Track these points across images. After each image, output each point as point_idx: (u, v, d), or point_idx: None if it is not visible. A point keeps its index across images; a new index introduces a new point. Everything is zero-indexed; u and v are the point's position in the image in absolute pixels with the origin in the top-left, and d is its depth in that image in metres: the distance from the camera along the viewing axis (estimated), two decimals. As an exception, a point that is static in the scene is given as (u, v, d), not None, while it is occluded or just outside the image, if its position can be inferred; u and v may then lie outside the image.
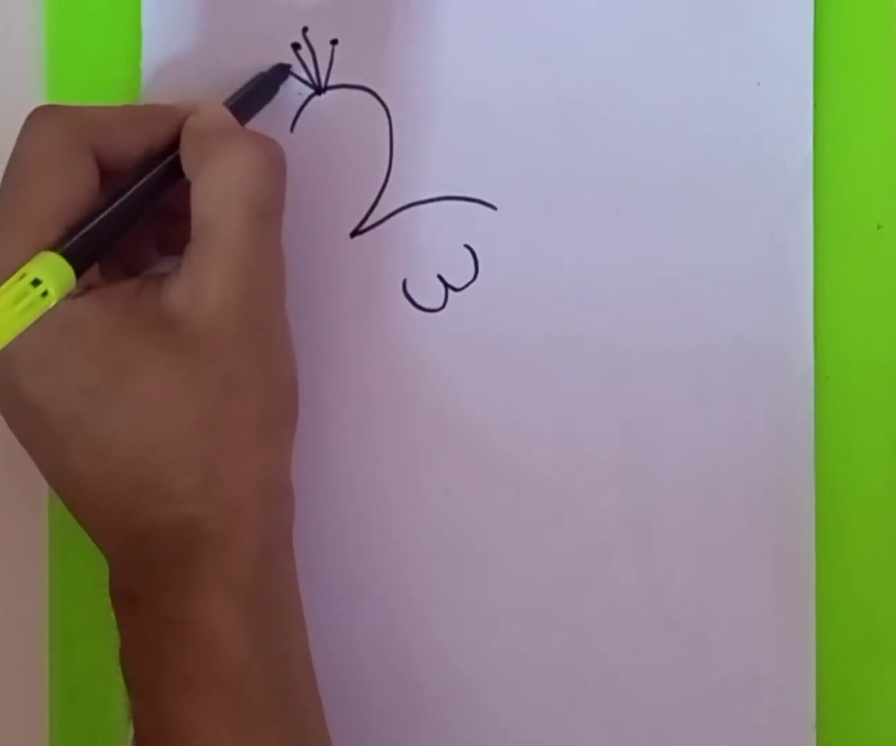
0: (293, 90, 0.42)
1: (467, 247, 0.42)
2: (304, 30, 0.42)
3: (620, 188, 0.42)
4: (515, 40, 0.42)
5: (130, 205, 0.36)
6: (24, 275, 0.33)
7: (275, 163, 0.37)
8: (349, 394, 0.42)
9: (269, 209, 0.37)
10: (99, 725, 0.42)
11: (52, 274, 0.33)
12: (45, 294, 0.33)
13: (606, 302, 0.42)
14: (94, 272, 0.36)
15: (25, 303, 0.33)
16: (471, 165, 0.42)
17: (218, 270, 0.36)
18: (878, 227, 0.42)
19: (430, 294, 0.42)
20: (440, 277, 0.42)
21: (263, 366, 0.37)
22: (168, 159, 0.37)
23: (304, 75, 0.42)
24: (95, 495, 0.36)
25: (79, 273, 0.34)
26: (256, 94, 0.41)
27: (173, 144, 0.38)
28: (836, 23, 0.42)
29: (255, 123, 0.40)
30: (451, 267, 0.42)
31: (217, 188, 0.36)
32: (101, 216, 0.36)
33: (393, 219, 0.42)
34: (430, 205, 0.42)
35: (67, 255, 0.34)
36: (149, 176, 0.37)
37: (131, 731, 0.36)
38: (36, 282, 0.33)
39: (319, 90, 0.42)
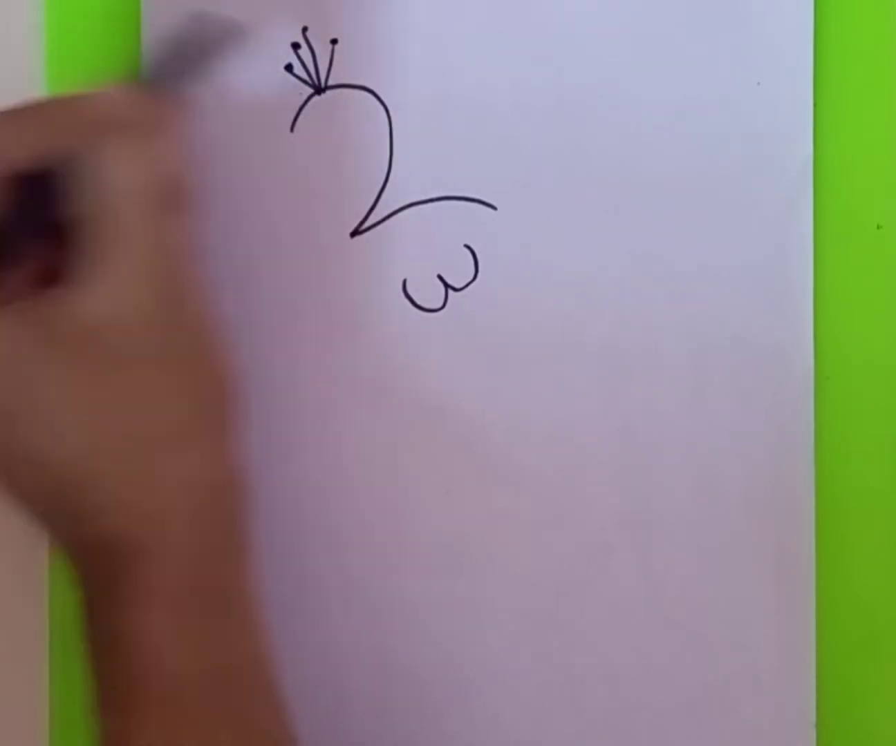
0: (293, 90, 0.42)
1: (467, 247, 0.42)
2: (304, 30, 0.42)
3: (620, 188, 0.42)
4: (515, 40, 0.42)
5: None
6: None
7: (173, 155, 0.35)
8: (349, 394, 0.41)
9: (174, 202, 0.35)
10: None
11: None
12: None
13: (606, 302, 0.42)
14: None
15: None
16: (471, 165, 0.42)
17: (124, 271, 0.34)
18: (878, 227, 0.42)
19: (430, 294, 0.42)
20: (440, 277, 0.42)
21: (184, 366, 0.35)
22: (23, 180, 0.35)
23: (304, 75, 0.42)
24: (42, 512, 0.35)
25: None
26: (183, 55, 0.37)
27: (26, 153, 0.35)
28: (836, 23, 0.42)
29: (254, 123, 0.40)
30: (451, 267, 0.42)
31: (114, 184, 0.34)
32: None
33: (393, 219, 0.42)
34: (430, 205, 0.42)
35: None
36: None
37: None
38: None
39: (319, 90, 0.42)
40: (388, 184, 0.42)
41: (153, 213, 0.34)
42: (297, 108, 0.42)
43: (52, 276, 0.35)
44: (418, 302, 0.42)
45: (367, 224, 0.42)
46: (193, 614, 0.35)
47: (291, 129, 0.42)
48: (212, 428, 0.36)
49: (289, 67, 0.42)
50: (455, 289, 0.42)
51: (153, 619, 0.34)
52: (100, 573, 0.35)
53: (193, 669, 0.34)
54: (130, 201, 0.34)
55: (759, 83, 0.41)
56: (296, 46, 0.42)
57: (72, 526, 0.35)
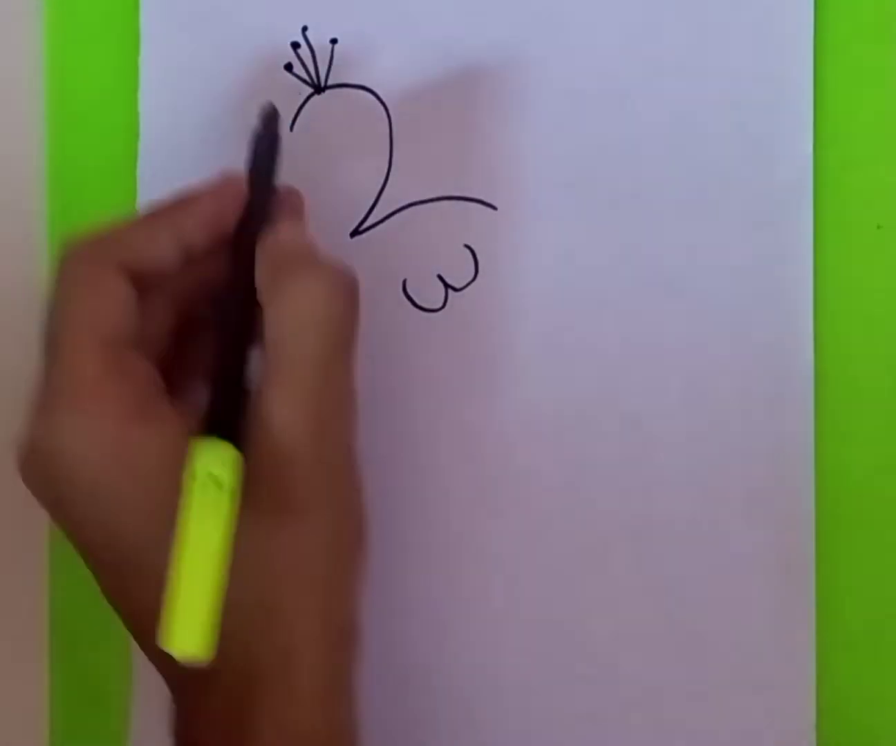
0: (293, 90, 0.42)
1: (467, 247, 0.42)
2: (304, 29, 0.42)
3: (621, 188, 0.42)
4: (516, 41, 0.42)
5: (244, 353, 0.36)
6: (213, 477, 0.32)
7: (349, 293, 0.36)
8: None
9: (342, 338, 0.36)
10: (99, 725, 0.42)
11: (223, 465, 0.33)
12: (228, 486, 0.33)
13: (606, 301, 0.42)
14: (147, 385, 0.36)
15: (213, 507, 0.32)
16: (471, 165, 0.42)
17: (287, 398, 0.34)
18: (878, 227, 0.42)
19: (430, 294, 0.42)
20: (440, 277, 0.42)
21: (331, 498, 0.35)
22: (246, 292, 0.36)
23: (304, 75, 0.42)
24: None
25: (237, 442, 0.34)
26: (265, 151, 0.39)
27: (208, 227, 0.37)
28: (836, 23, 0.42)
29: (252, 123, 0.40)
30: (451, 267, 0.42)
31: (289, 314, 0.35)
32: (223, 377, 0.35)
33: (393, 219, 0.42)
34: (430, 205, 0.42)
35: (224, 435, 0.33)
36: (237, 318, 0.36)
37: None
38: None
39: (319, 89, 0.42)
40: (388, 184, 0.42)
41: (320, 344, 0.35)
42: (296, 108, 0.42)
43: None
44: (418, 302, 0.42)
45: (367, 224, 0.42)
46: None
47: (291, 129, 0.42)
48: (348, 566, 0.36)
49: (289, 67, 0.42)
50: (455, 289, 0.42)
51: None
52: (230, 704, 0.34)
53: None
54: (301, 329, 0.35)
55: (759, 83, 0.41)
56: (296, 46, 0.42)
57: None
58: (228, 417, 0.34)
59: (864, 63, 0.42)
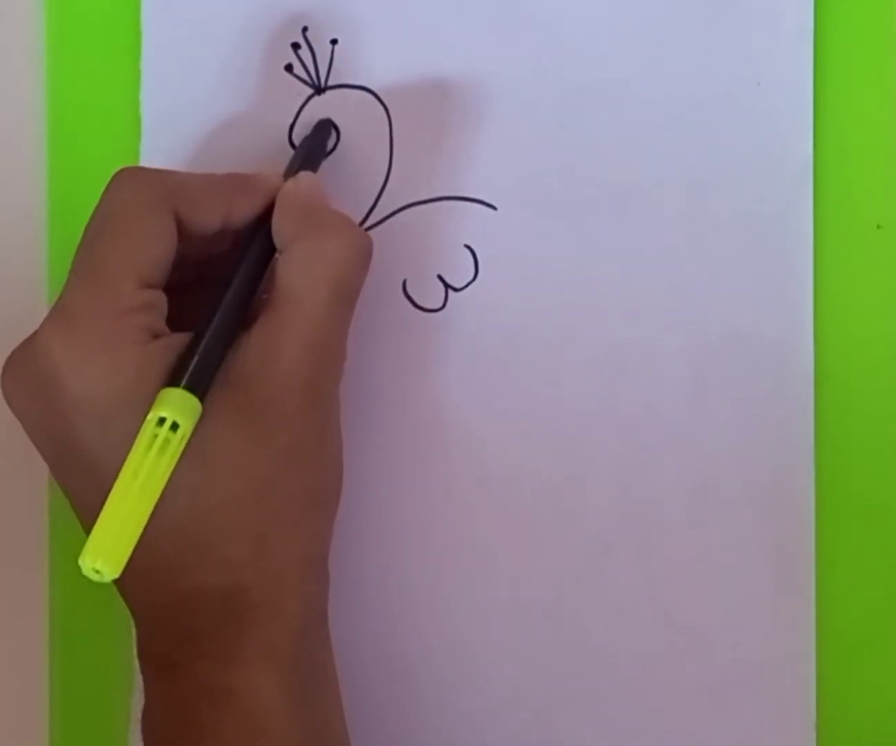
0: (293, 90, 0.42)
1: (467, 247, 0.42)
2: (304, 30, 0.42)
3: (620, 188, 0.42)
4: (516, 41, 0.42)
5: (235, 308, 0.37)
6: (161, 421, 0.34)
7: (365, 254, 0.38)
8: (349, 395, 0.41)
9: (350, 295, 0.38)
10: (99, 725, 0.42)
11: (183, 412, 0.34)
12: (181, 433, 0.34)
13: (606, 301, 0.42)
14: (160, 316, 0.36)
15: (160, 445, 0.33)
16: (471, 165, 0.42)
17: (294, 341, 0.36)
18: (878, 227, 0.42)
19: (430, 294, 0.42)
20: (440, 277, 0.42)
21: (318, 443, 0.37)
22: (256, 248, 0.38)
23: (304, 75, 0.42)
24: (143, 552, 0.35)
25: (202, 398, 0.35)
26: (312, 153, 0.41)
27: (251, 214, 0.38)
28: (836, 23, 0.42)
29: (252, 123, 0.41)
30: (451, 267, 0.42)
31: (309, 264, 0.37)
32: (211, 331, 0.36)
33: (393, 219, 0.42)
34: (430, 205, 0.42)
35: (190, 387, 0.34)
36: (244, 272, 0.37)
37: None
38: (162, 420, 0.34)
39: (319, 90, 0.42)
40: (388, 184, 0.42)
41: (330, 300, 0.37)
42: (297, 109, 0.42)
43: None
44: (418, 302, 0.42)
45: (367, 224, 0.42)
46: (299, 676, 0.35)
47: (291, 129, 0.42)
48: (327, 508, 0.38)
49: (289, 67, 0.42)
50: (455, 289, 0.42)
51: (269, 677, 0.35)
52: (215, 624, 0.35)
53: (296, 728, 0.35)
54: (317, 283, 0.37)
55: (759, 83, 0.41)
56: (296, 46, 0.42)
57: (196, 573, 0.35)
58: (201, 370, 0.35)
59: (864, 63, 0.42)
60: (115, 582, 0.35)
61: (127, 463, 0.33)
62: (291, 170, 0.39)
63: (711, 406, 0.41)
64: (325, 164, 0.41)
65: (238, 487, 0.35)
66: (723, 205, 0.41)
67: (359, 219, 0.42)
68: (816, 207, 0.41)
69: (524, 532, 0.41)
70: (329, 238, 0.37)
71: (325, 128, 0.41)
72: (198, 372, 0.35)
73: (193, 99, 0.42)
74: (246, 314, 0.37)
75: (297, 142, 0.42)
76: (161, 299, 0.37)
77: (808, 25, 0.41)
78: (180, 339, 0.36)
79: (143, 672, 0.37)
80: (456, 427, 0.42)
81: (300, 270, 0.37)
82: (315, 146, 0.41)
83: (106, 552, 0.33)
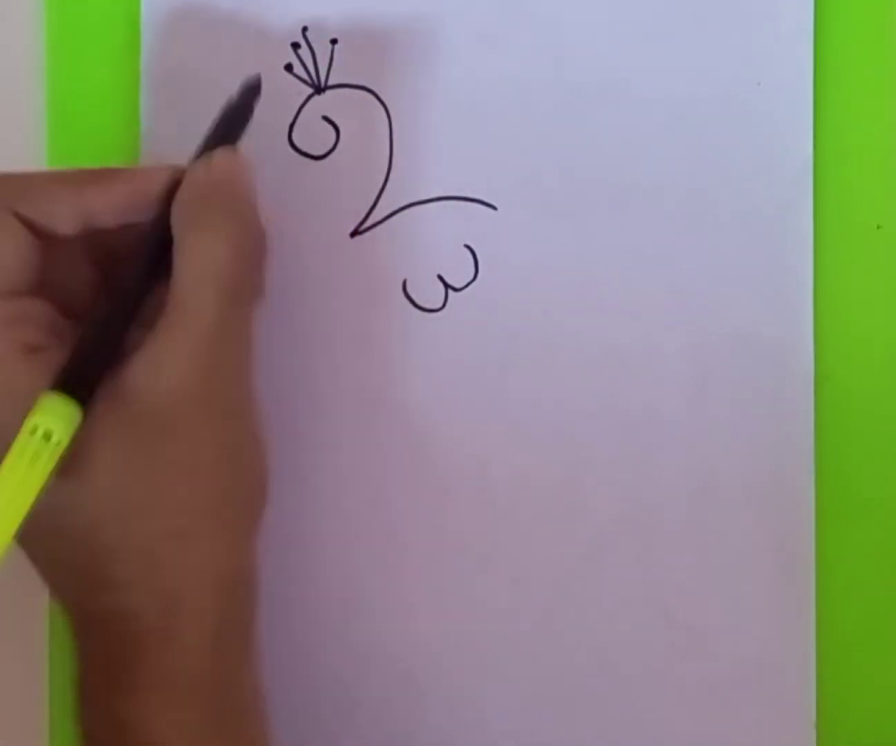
0: (293, 90, 0.42)
1: (467, 247, 0.42)
2: (304, 30, 0.42)
3: (620, 188, 0.42)
4: (516, 41, 0.42)
5: (122, 313, 0.35)
6: (34, 429, 0.32)
7: (257, 248, 0.36)
8: (349, 394, 0.42)
9: (244, 294, 0.36)
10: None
11: (59, 419, 0.32)
12: (55, 441, 0.32)
13: (606, 301, 0.42)
14: (35, 326, 0.35)
15: (40, 458, 0.32)
16: (471, 165, 0.42)
17: (180, 349, 0.34)
18: (878, 227, 0.42)
19: (430, 294, 0.42)
20: (440, 277, 0.42)
21: (222, 453, 0.35)
22: (151, 244, 0.36)
23: (304, 75, 0.42)
24: (50, 575, 0.35)
25: (84, 404, 0.33)
26: (232, 120, 0.38)
27: (116, 209, 0.36)
28: (836, 23, 0.42)
29: (253, 123, 0.41)
30: (451, 267, 0.42)
31: (193, 261, 0.35)
32: (96, 333, 0.35)
33: (393, 219, 0.42)
34: (430, 205, 0.42)
35: (68, 390, 0.33)
36: (133, 272, 0.36)
37: None
38: (45, 432, 0.32)
39: (319, 90, 0.42)
40: (388, 184, 0.42)
41: (219, 301, 0.35)
42: (296, 108, 0.42)
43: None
44: (418, 302, 0.42)
45: (367, 224, 0.42)
46: (202, 706, 0.34)
47: (291, 129, 0.42)
48: (240, 520, 0.36)
49: (289, 67, 0.42)
50: (455, 289, 0.42)
51: (164, 708, 0.34)
52: (111, 650, 0.34)
53: None
54: (200, 284, 0.35)
55: (759, 83, 0.41)
56: (296, 46, 0.42)
57: (90, 595, 0.34)
58: (81, 374, 0.34)
59: (864, 63, 0.42)
60: (52, 594, 0.36)
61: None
62: (207, 143, 0.37)
63: (711, 406, 0.41)
64: (326, 164, 0.41)
65: (121, 504, 0.34)
66: (723, 205, 0.41)
67: (359, 219, 0.42)
68: (816, 207, 0.41)
69: (524, 532, 0.41)
70: (214, 230, 0.35)
71: (253, 88, 0.39)
72: (76, 376, 0.33)
73: (193, 99, 0.42)
74: (134, 315, 0.35)
75: (297, 141, 0.42)
76: (35, 307, 0.35)
77: (808, 25, 0.41)
78: (67, 351, 0.34)
79: (76, 701, 0.36)
80: (456, 427, 0.42)
81: (186, 269, 0.35)
82: (238, 111, 0.38)
83: None
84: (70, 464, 0.33)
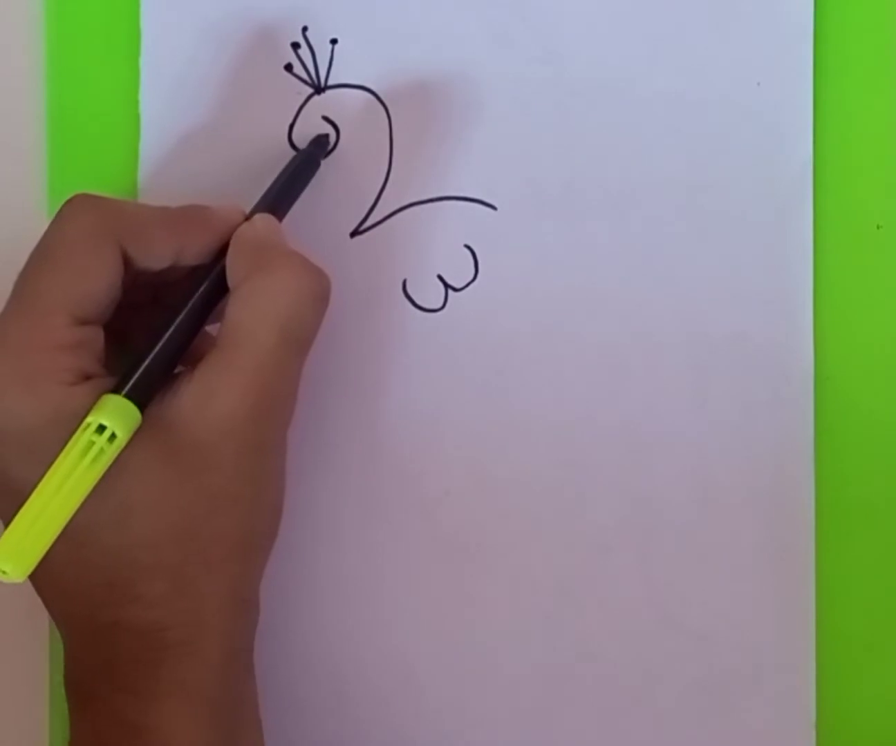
0: (293, 90, 0.42)
1: (467, 247, 0.42)
2: (304, 30, 0.42)
3: (620, 188, 0.42)
4: (516, 41, 0.42)
5: (184, 330, 0.36)
6: (88, 424, 0.33)
7: (319, 295, 0.37)
8: (349, 394, 0.42)
9: (301, 338, 0.37)
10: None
11: (118, 418, 0.34)
12: (112, 437, 0.33)
13: (606, 301, 0.42)
14: (91, 355, 0.36)
15: (94, 453, 0.33)
16: (470, 165, 0.42)
17: (233, 385, 0.35)
18: (878, 227, 0.42)
19: (430, 294, 0.42)
20: (440, 277, 0.42)
21: (254, 488, 0.36)
22: (212, 277, 0.37)
23: (304, 75, 0.42)
24: (65, 582, 0.35)
25: (142, 408, 0.34)
26: (296, 178, 0.40)
27: (204, 250, 0.37)
28: (836, 23, 0.42)
29: (252, 123, 0.41)
30: (451, 267, 0.42)
31: (256, 303, 0.36)
32: (158, 348, 0.36)
33: (393, 219, 0.42)
34: (430, 205, 0.42)
35: (131, 396, 0.34)
36: (197, 298, 0.37)
37: None
38: (101, 428, 0.33)
39: (319, 90, 0.42)
40: (388, 184, 0.42)
41: (277, 343, 0.36)
42: (296, 108, 0.42)
43: None
44: (418, 302, 0.42)
45: (367, 224, 0.42)
46: (216, 716, 0.35)
47: (291, 129, 0.42)
48: (259, 550, 0.37)
49: (289, 67, 0.42)
50: (455, 289, 0.42)
51: (183, 715, 0.35)
52: (138, 659, 0.35)
53: None
54: (260, 325, 0.36)
55: (759, 83, 0.41)
56: (296, 46, 0.42)
57: (109, 609, 0.35)
58: (140, 383, 0.35)
59: (864, 63, 0.42)
60: (45, 601, 0.36)
61: (53, 468, 0.33)
62: (270, 194, 0.39)
63: (711, 406, 0.41)
64: (326, 164, 0.41)
65: (159, 528, 0.35)
66: (723, 206, 0.41)
67: (359, 219, 0.42)
68: (816, 207, 0.41)
69: (524, 532, 0.41)
70: (280, 277, 0.36)
71: (320, 144, 0.41)
72: (135, 383, 0.35)
73: (193, 99, 0.42)
74: (188, 346, 0.36)
75: (297, 141, 0.42)
76: (96, 336, 0.36)
77: (808, 25, 0.41)
78: (111, 383, 0.35)
79: (67, 701, 0.36)
80: (455, 426, 0.42)
81: (247, 311, 0.36)
82: (302, 166, 0.40)
83: (14, 553, 0.32)
84: (117, 485, 0.34)
